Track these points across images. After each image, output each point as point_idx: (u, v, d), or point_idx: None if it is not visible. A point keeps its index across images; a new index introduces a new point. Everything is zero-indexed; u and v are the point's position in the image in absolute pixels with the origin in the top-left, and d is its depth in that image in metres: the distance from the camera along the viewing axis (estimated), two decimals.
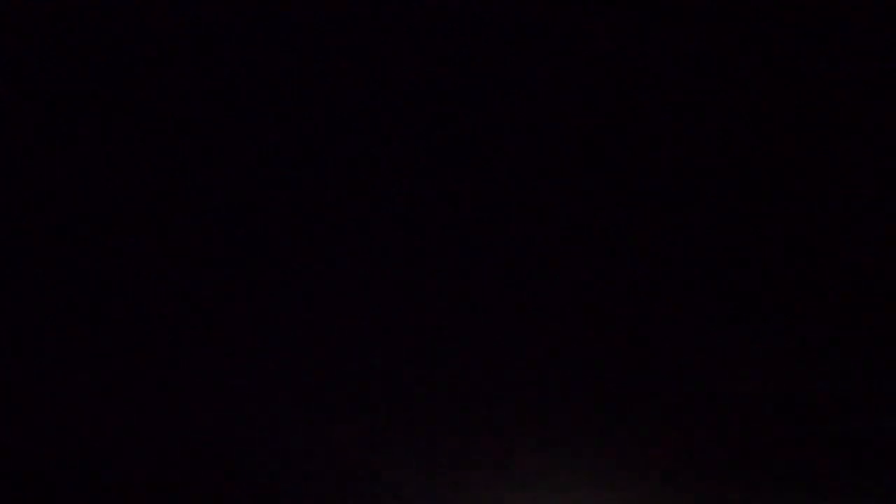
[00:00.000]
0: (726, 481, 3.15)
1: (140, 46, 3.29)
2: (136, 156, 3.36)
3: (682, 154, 3.23)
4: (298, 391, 3.35)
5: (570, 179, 3.23)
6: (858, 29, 3.18)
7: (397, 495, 3.30)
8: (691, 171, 3.22)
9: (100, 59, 3.31)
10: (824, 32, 3.18)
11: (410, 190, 3.28)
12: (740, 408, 3.17)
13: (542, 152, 3.26)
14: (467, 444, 3.29)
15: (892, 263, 3.12)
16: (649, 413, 3.21)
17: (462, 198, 3.28)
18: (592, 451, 3.24)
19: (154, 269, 3.39)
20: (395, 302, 3.35)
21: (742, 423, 3.16)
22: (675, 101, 3.23)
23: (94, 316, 3.41)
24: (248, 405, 3.36)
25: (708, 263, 3.21)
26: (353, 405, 3.33)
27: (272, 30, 3.29)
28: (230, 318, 3.40)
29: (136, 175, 3.36)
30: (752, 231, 3.19)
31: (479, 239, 3.28)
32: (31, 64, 3.31)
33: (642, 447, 3.19)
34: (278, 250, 3.40)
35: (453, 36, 3.26)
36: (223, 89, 3.32)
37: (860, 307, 3.15)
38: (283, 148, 3.33)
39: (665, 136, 3.23)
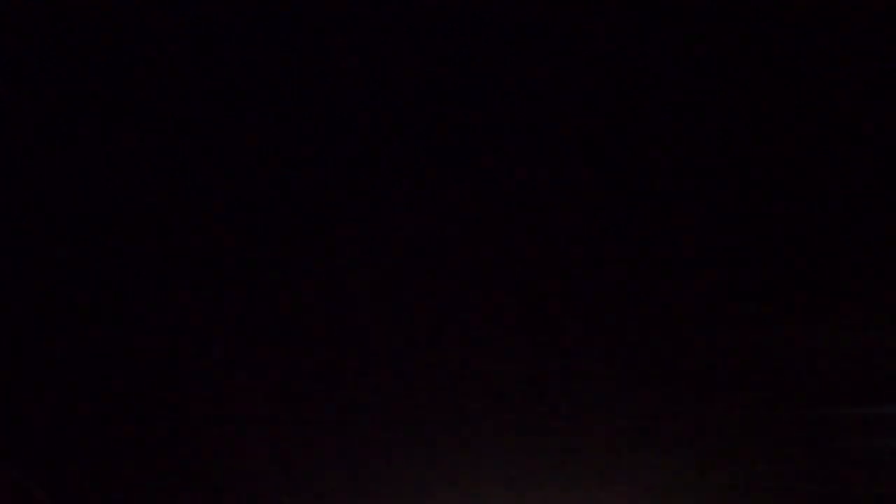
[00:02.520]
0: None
1: (139, 47, 3.29)
2: (136, 156, 3.36)
3: (682, 154, 3.23)
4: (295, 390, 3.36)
5: (571, 181, 3.22)
6: (858, 29, 3.17)
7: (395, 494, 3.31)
8: (691, 170, 3.21)
9: (100, 60, 3.31)
10: (824, 33, 3.18)
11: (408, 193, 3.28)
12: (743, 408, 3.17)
13: (542, 152, 3.26)
14: (465, 444, 3.30)
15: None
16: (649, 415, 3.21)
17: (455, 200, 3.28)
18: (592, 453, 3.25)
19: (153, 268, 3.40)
20: (392, 301, 3.36)
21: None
22: (675, 101, 3.23)
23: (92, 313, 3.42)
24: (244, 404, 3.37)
25: (704, 264, 3.21)
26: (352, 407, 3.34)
27: (272, 30, 3.29)
28: (229, 317, 3.40)
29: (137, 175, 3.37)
30: (753, 232, 3.19)
31: (477, 241, 3.28)
32: (31, 64, 3.31)
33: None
34: (278, 249, 3.40)
35: (453, 36, 3.26)
36: (223, 89, 3.32)
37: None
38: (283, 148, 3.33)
39: (665, 137, 3.23)
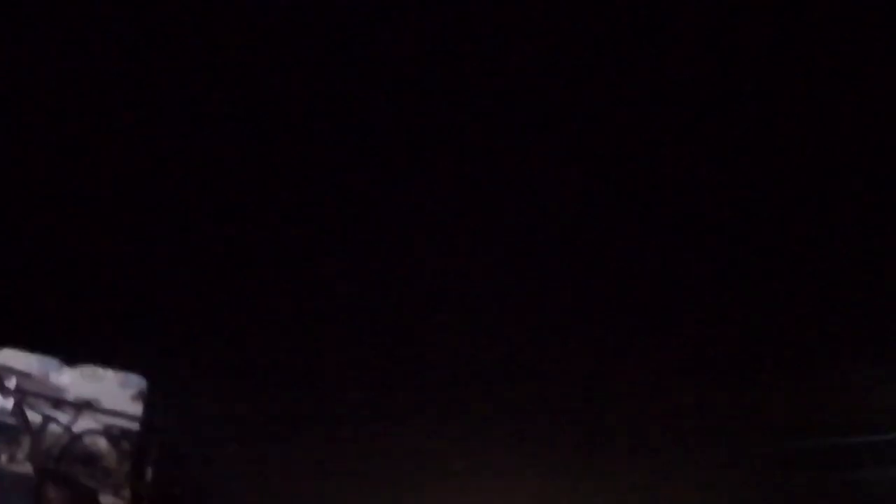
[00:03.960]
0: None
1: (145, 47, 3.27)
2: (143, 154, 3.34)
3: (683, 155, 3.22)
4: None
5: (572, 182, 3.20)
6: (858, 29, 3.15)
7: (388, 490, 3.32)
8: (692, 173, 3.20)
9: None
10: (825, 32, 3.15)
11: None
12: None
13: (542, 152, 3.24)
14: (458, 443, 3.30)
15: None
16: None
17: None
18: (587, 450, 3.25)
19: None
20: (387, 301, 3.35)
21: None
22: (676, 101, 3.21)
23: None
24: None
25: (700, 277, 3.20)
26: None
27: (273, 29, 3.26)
28: (233, 317, 3.41)
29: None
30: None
31: (476, 242, 3.27)
32: (31, 64, 3.29)
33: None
34: (281, 249, 3.40)
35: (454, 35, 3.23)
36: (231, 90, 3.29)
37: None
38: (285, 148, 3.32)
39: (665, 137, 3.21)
